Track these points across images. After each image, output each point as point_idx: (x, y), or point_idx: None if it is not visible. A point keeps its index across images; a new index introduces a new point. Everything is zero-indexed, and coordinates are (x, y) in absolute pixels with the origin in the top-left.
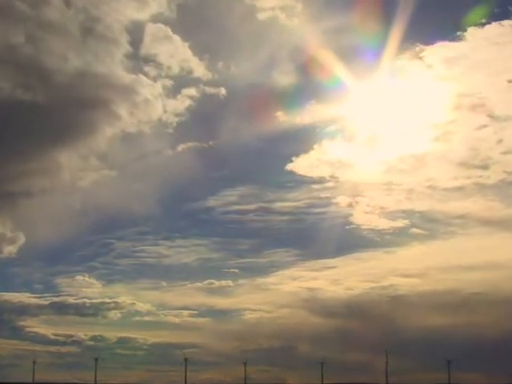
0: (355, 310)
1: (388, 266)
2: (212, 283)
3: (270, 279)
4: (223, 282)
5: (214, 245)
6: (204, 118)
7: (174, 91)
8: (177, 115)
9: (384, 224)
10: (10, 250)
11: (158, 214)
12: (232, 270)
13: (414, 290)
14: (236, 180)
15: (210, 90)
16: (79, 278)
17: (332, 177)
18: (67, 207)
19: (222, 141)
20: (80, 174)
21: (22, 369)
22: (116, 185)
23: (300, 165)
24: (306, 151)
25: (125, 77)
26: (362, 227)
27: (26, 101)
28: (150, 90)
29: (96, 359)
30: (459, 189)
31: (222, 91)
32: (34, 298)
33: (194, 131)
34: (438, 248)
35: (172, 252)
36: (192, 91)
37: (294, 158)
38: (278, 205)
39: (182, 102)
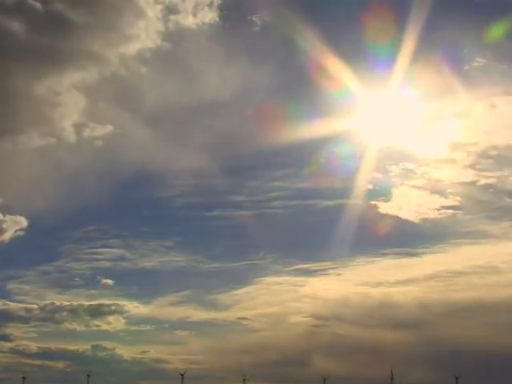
0: (363, 319)
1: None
2: (192, 291)
3: (259, 285)
4: (204, 290)
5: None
6: None
7: None
8: None
9: (433, 202)
10: None
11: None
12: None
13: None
14: None
15: None
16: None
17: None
18: None
19: None
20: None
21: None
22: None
23: None
24: None
25: None
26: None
27: None
28: None
29: (88, 375)
30: None
31: None
32: None
33: None
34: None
35: (129, 254)
36: None
37: None
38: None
39: None
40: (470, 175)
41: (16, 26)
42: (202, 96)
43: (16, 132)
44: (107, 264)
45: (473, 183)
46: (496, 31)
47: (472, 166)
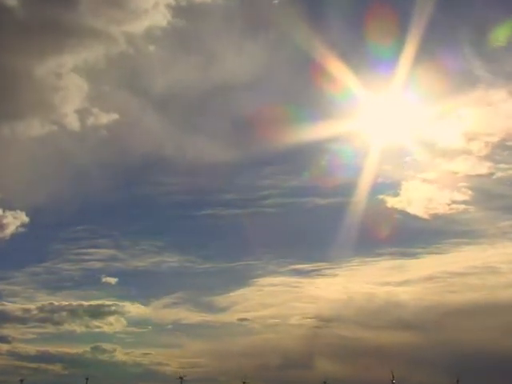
0: (363, 321)
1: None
2: (187, 292)
3: (256, 286)
4: (199, 292)
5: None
6: None
7: None
8: None
9: (442, 197)
10: None
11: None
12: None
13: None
14: None
15: None
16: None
17: None
18: None
19: None
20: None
21: None
22: None
23: None
24: None
25: None
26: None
27: None
28: None
29: (87, 379)
30: None
31: None
32: None
33: None
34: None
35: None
36: None
37: None
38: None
39: None
40: (485, 167)
41: (12, 0)
42: (217, 79)
43: (14, 119)
44: (98, 265)
45: (488, 176)
46: (501, 32)
47: (488, 158)
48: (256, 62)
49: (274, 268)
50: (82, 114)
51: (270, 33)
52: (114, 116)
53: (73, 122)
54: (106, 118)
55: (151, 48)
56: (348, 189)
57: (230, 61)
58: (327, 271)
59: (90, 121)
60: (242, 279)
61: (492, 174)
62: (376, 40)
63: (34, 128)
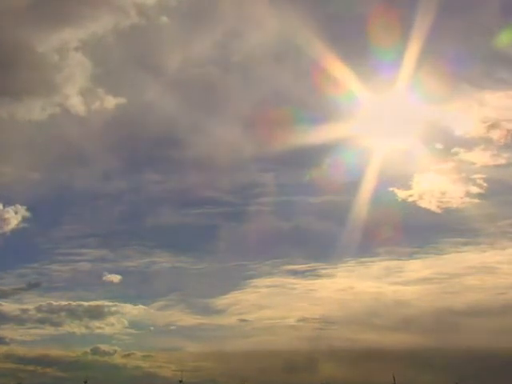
0: (365, 323)
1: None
2: (184, 294)
3: (254, 287)
4: (196, 293)
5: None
6: None
7: None
8: None
9: (455, 190)
10: None
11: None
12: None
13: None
14: None
15: None
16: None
17: None
18: None
19: None
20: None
21: None
22: None
23: None
24: None
25: None
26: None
27: None
28: None
29: (85, 382)
30: None
31: None
32: None
33: None
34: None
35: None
36: None
37: None
38: None
39: None
40: (504, 157)
41: None
42: (237, 54)
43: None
44: (88, 266)
45: (507, 166)
46: (505, 35)
47: (508, 147)
48: (280, 37)
49: (269, 269)
50: (86, 95)
51: (295, 4)
52: (122, 99)
53: (76, 105)
54: (112, 101)
55: (165, 20)
56: (352, 188)
57: (252, 35)
58: (324, 271)
59: (96, 104)
60: (237, 280)
61: (510, 164)
62: (379, 42)
63: (33, 112)
